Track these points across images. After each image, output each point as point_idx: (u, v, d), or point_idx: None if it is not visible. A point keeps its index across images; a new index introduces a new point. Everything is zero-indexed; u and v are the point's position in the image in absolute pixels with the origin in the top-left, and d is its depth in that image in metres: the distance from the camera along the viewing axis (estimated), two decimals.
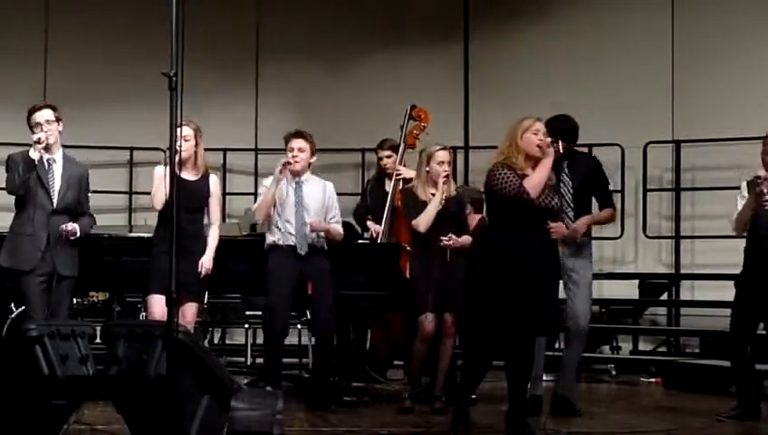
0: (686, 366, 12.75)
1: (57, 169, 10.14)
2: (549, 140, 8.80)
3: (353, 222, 12.07)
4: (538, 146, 8.57)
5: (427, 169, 10.36)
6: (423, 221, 10.13)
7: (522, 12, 15.30)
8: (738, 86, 13.76)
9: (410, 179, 10.80)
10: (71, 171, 10.28)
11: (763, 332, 10.40)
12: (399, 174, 11.34)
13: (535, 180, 8.44)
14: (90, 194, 10.51)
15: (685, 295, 14.12)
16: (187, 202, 9.43)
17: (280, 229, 10.41)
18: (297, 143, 10.46)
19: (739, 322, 10.15)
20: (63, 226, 9.81)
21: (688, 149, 14.01)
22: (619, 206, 11.96)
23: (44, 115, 10.16)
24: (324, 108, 14.58)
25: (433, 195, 10.25)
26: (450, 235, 10.14)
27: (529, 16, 15.27)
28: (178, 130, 7.21)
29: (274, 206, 10.33)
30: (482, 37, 15.54)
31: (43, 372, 7.12)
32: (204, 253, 9.95)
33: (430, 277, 10.24)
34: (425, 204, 10.27)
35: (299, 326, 11.81)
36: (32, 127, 10.04)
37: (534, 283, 8.45)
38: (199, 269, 9.81)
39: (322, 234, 10.43)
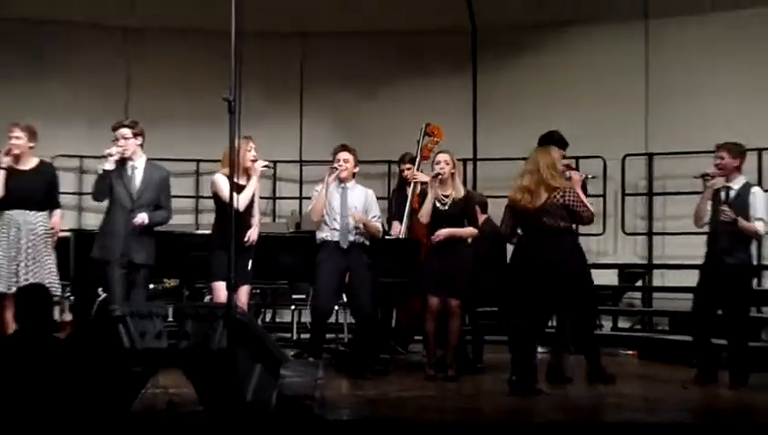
0: (657, 341, 12.82)
1: (138, 174, 10.24)
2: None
3: (383, 222, 12.00)
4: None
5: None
6: (423, 213, 10.30)
7: (520, 47, 15.27)
8: (701, 108, 13.72)
9: (426, 183, 10.73)
10: (151, 175, 10.36)
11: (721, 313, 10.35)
12: (416, 178, 11.40)
13: None
14: (169, 194, 10.62)
15: (656, 282, 14.19)
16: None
17: (328, 227, 10.51)
18: (343, 155, 10.64)
19: (699, 304, 10.18)
20: (134, 220, 9.92)
21: (660, 160, 14.00)
22: (601, 208, 11.97)
23: (122, 132, 10.27)
24: (356, 126, 14.59)
25: (444, 196, 10.28)
26: (440, 231, 10.20)
27: (526, 51, 15.23)
28: (236, 143, 7.38)
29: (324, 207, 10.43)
30: (486, 67, 15.52)
31: (125, 345, 7.17)
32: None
33: (434, 267, 10.33)
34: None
35: (336, 308, 11.71)
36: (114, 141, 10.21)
37: None
38: (246, 238, 9.98)
39: (363, 232, 10.54)
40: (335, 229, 10.48)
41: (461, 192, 10.49)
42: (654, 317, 13.82)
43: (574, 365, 10.51)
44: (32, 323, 6.54)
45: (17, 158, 10.25)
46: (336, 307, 11.72)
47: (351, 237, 10.51)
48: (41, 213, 10.32)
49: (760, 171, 12.50)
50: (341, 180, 10.58)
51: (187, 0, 14.01)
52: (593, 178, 12.08)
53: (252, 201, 10.30)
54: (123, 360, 7.20)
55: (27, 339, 6.82)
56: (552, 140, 10.38)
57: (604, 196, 13.91)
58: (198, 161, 14.42)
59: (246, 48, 7.68)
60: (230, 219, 7.98)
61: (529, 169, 9.46)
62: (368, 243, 10.61)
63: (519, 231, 9.85)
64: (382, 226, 11.25)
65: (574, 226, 9.96)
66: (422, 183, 11.06)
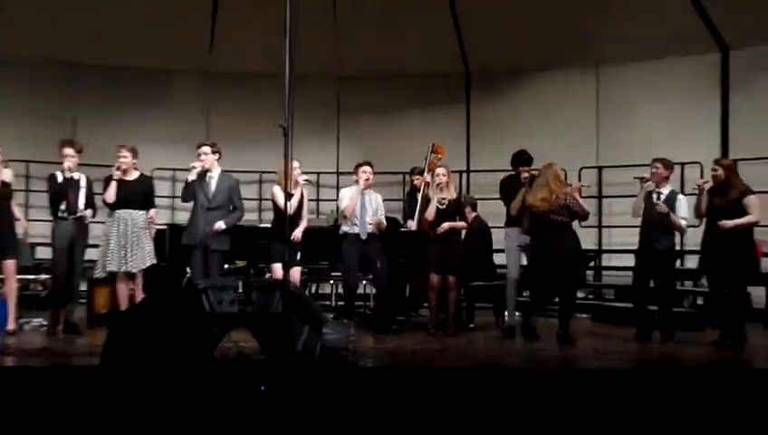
0: (605, 308, 12.86)
1: (213, 182, 10.53)
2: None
3: (399, 218, 12.23)
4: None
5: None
6: (429, 212, 10.62)
7: (501, 86, 15.36)
8: (638, 131, 13.79)
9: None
10: (223, 183, 10.59)
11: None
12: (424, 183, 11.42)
13: None
14: (240, 196, 10.84)
15: (605, 263, 14.27)
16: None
17: (350, 223, 10.78)
18: (368, 168, 11.02)
19: (637, 279, 10.37)
20: (212, 229, 10.25)
21: (607, 171, 14.13)
22: None
23: (203, 150, 10.51)
24: (379, 145, 14.63)
25: (443, 199, 10.62)
26: (443, 225, 10.52)
27: (506, 89, 15.32)
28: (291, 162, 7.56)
29: None
30: (476, 101, 15.64)
31: (206, 310, 7.38)
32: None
33: (436, 252, 10.60)
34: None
35: (364, 282, 11.93)
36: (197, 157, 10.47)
37: None
38: (292, 237, 10.00)
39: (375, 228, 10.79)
40: (355, 225, 10.77)
41: (454, 195, 10.75)
42: (603, 289, 13.84)
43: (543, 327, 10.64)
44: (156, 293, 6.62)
45: (124, 171, 10.45)
46: (364, 281, 12.09)
47: (368, 231, 10.76)
48: (141, 212, 10.54)
49: (682, 180, 12.56)
50: (364, 188, 10.86)
51: (250, 49, 14.03)
52: (588, 186, 12.44)
53: (301, 205, 10.58)
54: (205, 321, 7.41)
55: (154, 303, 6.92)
56: (522, 157, 10.98)
57: None
58: (261, 172, 14.52)
59: (297, 87, 7.85)
60: (284, 219, 8.19)
61: (541, 184, 10.09)
62: (377, 233, 10.86)
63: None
64: (388, 220, 11.46)
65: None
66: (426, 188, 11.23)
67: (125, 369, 6.15)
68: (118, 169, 10.44)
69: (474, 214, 11.73)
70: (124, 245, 10.36)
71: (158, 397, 6.13)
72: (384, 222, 11.00)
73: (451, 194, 10.70)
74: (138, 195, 10.54)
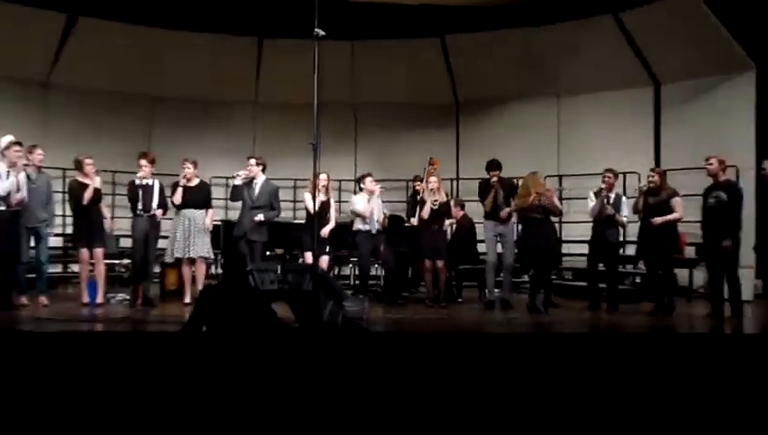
0: (565, 286, 12.74)
1: (257, 187, 10.60)
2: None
3: (403, 216, 12.14)
4: None
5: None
6: (424, 213, 10.54)
7: (483, 113, 15.26)
8: (593, 145, 13.70)
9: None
10: (265, 188, 10.67)
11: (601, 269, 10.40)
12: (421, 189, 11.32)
13: None
14: (278, 199, 10.86)
15: (564, 250, 13.83)
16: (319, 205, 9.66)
17: (363, 221, 10.88)
18: (372, 179, 11.11)
19: (590, 263, 10.45)
20: (254, 219, 10.29)
21: (566, 178, 13.97)
22: None
23: (250, 161, 10.61)
24: (387, 158, 14.65)
25: (435, 201, 10.65)
26: (439, 222, 10.68)
27: (488, 115, 15.23)
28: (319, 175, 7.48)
29: None
30: (464, 125, 15.54)
31: (254, 286, 7.36)
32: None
33: (428, 242, 10.63)
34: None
35: (376, 266, 11.83)
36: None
37: None
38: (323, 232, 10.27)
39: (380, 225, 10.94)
40: (367, 223, 10.84)
41: (444, 198, 10.79)
42: (563, 271, 13.68)
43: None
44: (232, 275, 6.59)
45: (188, 179, 10.48)
46: (376, 265, 12.00)
47: (376, 227, 10.87)
48: (201, 211, 10.58)
49: (624, 185, 12.48)
50: (371, 193, 10.91)
51: (286, 84, 13.91)
52: (568, 190, 12.70)
53: (328, 208, 10.73)
54: (254, 295, 7.34)
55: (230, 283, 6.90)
56: (492, 164, 10.92)
57: None
58: (295, 180, 14.45)
59: (322, 113, 7.78)
60: (314, 218, 8.20)
61: (524, 193, 10.28)
62: (382, 229, 11.03)
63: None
64: (394, 217, 11.74)
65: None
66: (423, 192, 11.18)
67: (209, 331, 6.09)
68: (183, 177, 10.49)
69: (462, 212, 11.86)
70: (187, 237, 10.42)
71: (231, 353, 6.07)
72: (383, 222, 11.17)
73: (442, 197, 10.73)
74: (198, 198, 10.57)
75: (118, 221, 11.73)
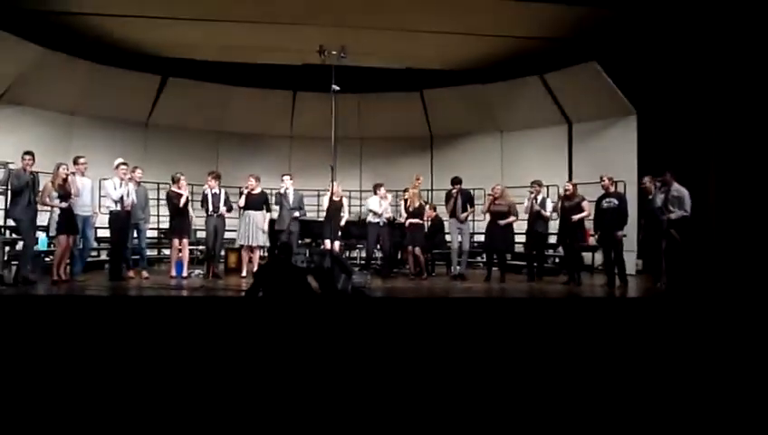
0: (509, 265, 12.56)
1: (290, 195, 10.57)
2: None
3: (394, 215, 11.99)
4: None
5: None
6: (406, 214, 10.53)
7: (451, 143, 15.13)
8: (526, 164, 13.56)
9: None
10: (296, 195, 10.74)
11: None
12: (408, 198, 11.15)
13: None
14: (303, 203, 10.78)
15: None
16: (335, 207, 9.62)
17: (374, 217, 10.72)
18: (382, 188, 10.86)
19: (526, 248, 10.40)
20: (292, 217, 10.27)
21: (508, 189, 13.85)
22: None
23: (286, 177, 10.67)
24: (385, 175, 14.21)
25: (415, 206, 10.66)
26: (410, 220, 10.56)
27: (454, 144, 15.10)
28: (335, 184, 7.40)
29: None
30: (437, 152, 15.37)
31: (294, 264, 7.27)
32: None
33: (410, 235, 10.59)
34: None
35: (376, 249, 11.76)
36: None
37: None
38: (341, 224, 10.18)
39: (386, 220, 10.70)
40: (377, 218, 10.64)
41: (418, 204, 10.70)
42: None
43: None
44: (280, 256, 6.53)
45: (252, 189, 10.45)
46: (376, 249, 11.85)
47: (384, 221, 10.66)
48: (260, 212, 10.51)
49: (548, 192, 12.35)
50: (383, 197, 10.78)
51: (313, 122, 13.74)
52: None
53: (341, 209, 10.57)
54: (294, 271, 7.36)
55: (278, 262, 6.88)
56: (455, 180, 10.72)
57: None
58: (318, 190, 14.21)
59: (338, 144, 7.81)
60: (330, 216, 8.18)
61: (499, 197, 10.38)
62: (386, 222, 10.73)
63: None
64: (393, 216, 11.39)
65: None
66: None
67: (264, 296, 6.12)
68: (248, 187, 10.49)
69: (434, 213, 11.71)
70: (247, 231, 10.39)
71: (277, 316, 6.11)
72: (391, 217, 11.00)
73: (415, 204, 10.69)
74: (258, 202, 10.53)
75: (196, 220, 11.63)
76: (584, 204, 9.88)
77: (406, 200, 11.22)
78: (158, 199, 12.72)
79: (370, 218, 10.80)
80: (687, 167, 10.24)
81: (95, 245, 10.95)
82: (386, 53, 12.47)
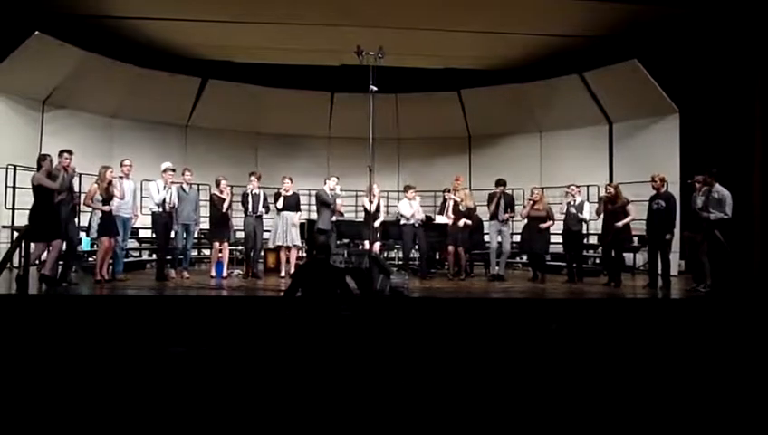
0: (548, 266, 12.46)
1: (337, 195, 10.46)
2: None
3: (432, 215, 11.97)
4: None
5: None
6: (449, 212, 10.58)
7: (490, 143, 15.07)
8: (566, 164, 13.53)
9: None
10: (335, 196, 10.54)
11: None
12: (451, 198, 11.09)
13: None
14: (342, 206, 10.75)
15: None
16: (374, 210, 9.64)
17: (408, 218, 10.62)
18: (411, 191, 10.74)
19: (564, 248, 10.29)
20: (333, 217, 10.25)
21: (547, 190, 13.71)
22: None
23: (332, 179, 10.56)
24: (423, 178, 14.27)
25: (463, 205, 10.55)
26: (460, 221, 10.46)
27: (494, 145, 15.04)
28: (374, 187, 7.42)
29: None
30: (475, 152, 15.31)
31: (333, 264, 7.32)
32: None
33: (453, 234, 10.53)
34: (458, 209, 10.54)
35: (414, 249, 11.76)
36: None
37: None
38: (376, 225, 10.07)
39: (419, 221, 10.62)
40: (410, 220, 10.57)
41: (471, 205, 10.71)
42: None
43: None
44: (318, 256, 6.53)
45: (287, 190, 10.54)
46: (414, 249, 11.87)
47: (418, 222, 10.63)
48: (295, 213, 10.58)
49: (588, 194, 12.25)
50: (411, 199, 10.73)
51: (351, 123, 13.84)
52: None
53: (378, 209, 10.59)
54: (333, 271, 7.41)
55: (317, 262, 6.90)
56: (499, 181, 10.73)
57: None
58: (356, 191, 14.34)
59: (376, 145, 7.85)
60: (369, 216, 8.21)
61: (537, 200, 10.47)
62: (420, 223, 10.67)
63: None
64: (428, 217, 11.37)
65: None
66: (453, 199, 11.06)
67: (302, 296, 6.14)
68: (284, 189, 10.56)
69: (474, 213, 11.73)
70: (285, 230, 10.47)
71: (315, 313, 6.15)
72: (423, 217, 10.87)
73: (469, 204, 10.67)
74: (293, 203, 10.59)
75: (235, 220, 11.76)
76: (629, 207, 9.65)
77: (445, 200, 11.16)
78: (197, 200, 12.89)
79: (404, 221, 10.80)
80: (731, 167, 10.04)
81: (129, 245, 11.11)
82: (424, 52, 12.49)
